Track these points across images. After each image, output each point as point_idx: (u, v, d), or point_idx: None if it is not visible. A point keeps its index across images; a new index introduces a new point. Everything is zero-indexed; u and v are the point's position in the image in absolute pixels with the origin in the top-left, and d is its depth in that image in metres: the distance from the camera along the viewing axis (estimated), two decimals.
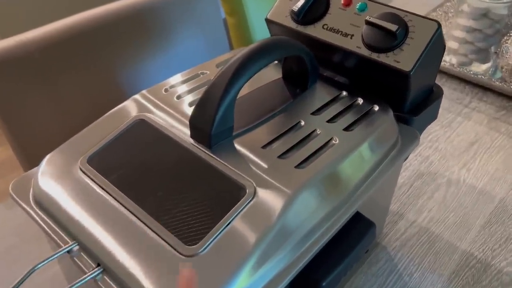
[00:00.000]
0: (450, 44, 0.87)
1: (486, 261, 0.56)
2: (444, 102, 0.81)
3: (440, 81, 0.86)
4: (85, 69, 0.80)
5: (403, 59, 0.45)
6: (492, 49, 0.85)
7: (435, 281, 0.54)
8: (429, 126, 0.76)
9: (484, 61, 0.86)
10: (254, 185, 0.37)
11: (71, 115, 0.79)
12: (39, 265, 0.35)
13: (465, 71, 0.84)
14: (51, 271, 0.54)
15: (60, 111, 0.78)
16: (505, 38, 0.80)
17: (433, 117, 0.54)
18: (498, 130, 0.76)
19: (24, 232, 0.59)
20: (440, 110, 0.79)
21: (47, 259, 0.36)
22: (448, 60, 0.87)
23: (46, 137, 0.78)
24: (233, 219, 0.35)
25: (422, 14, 1.01)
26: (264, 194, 0.37)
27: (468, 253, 0.57)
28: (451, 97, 0.82)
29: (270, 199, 0.36)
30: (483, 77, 0.82)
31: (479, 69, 0.86)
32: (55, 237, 0.38)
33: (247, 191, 0.37)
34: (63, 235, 0.38)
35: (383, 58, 0.46)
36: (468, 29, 0.83)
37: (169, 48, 0.90)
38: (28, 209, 0.40)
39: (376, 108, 0.46)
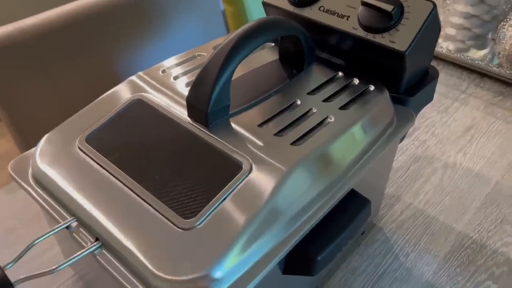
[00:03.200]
0: (448, 30, 0.87)
1: (481, 242, 0.57)
2: (441, 88, 0.81)
3: (437, 67, 0.86)
4: (83, 56, 0.80)
5: (399, 39, 0.46)
6: (490, 35, 0.85)
7: (431, 261, 0.54)
8: (426, 111, 0.76)
9: (481, 47, 0.87)
10: (250, 161, 0.38)
11: (69, 101, 0.79)
12: (38, 240, 0.36)
13: (462, 57, 0.84)
14: (51, 253, 0.55)
15: (58, 97, 0.78)
16: (502, 23, 0.80)
17: (429, 98, 0.54)
18: (495, 115, 0.76)
19: (24, 215, 0.59)
20: (437, 96, 0.80)
21: (46, 234, 0.36)
22: (446, 46, 0.88)
23: (44, 123, 0.78)
24: (229, 194, 0.36)
25: None
26: (259, 171, 0.37)
27: (463, 234, 0.58)
28: (448, 83, 0.83)
29: (266, 175, 0.37)
30: (480, 62, 0.82)
31: (476, 55, 0.86)
32: (54, 213, 0.38)
33: (243, 167, 0.37)
34: (62, 211, 0.38)
35: (379, 38, 0.47)
36: (466, 15, 0.83)
37: (167, 35, 0.90)
38: (27, 187, 0.41)
39: (372, 88, 0.47)
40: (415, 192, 0.63)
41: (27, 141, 0.78)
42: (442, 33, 0.89)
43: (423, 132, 0.73)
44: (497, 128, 0.73)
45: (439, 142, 0.71)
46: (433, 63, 0.88)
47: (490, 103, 0.78)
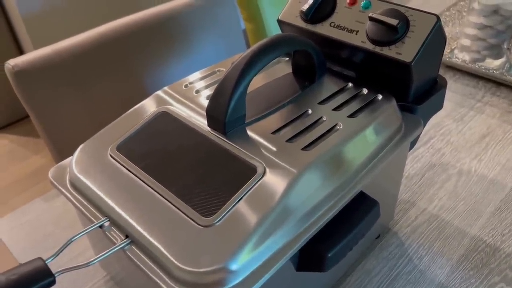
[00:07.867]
0: (463, 41, 0.89)
1: (495, 246, 0.58)
2: (457, 97, 0.83)
3: (453, 77, 0.88)
4: (115, 74, 0.86)
5: (405, 51, 0.49)
6: (505, 44, 0.87)
7: (444, 264, 0.56)
8: (441, 120, 0.78)
9: (497, 57, 0.88)
10: (264, 165, 0.41)
11: (102, 117, 0.85)
12: (76, 237, 0.40)
13: (477, 67, 0.85)
14: (85, 256, 0.59)
15: (92, 113, 0.84)
16: None
17: (439, 106, 0.56)
18: (511, 122, 0.77)
19: (61, 221, 0.64)
20: (453, 105, 0.82)
21: (81, 232, 0.41)
22: (461, 57, 0.89)
23: (79, 137, 0.84)
24: (244, 195, 0.39)
25: (436, 13, 1.03)
26: (272, 173, 0.40)
27: (477, 238, 0.59)
28: (464, 92, 0.84)
29: (278, 177, 0.40)
30: (494, 72, 0.84)
31: (492, 64, 0.88)
32: (88, 214, 0.42)
33: (258, 170, 0.41)
34: (96, 212, 0.42)
35: (386, 51, 0.50)
36: (480, 26, 0.85)
37: (192, 53, 0.95)
38: (64, 191, 0.45)
39: (380, 97, 0.50)
40: (429, 198, 0.65)
41: (62, 153, 0.84)
42: (457, 44, 0.91)
43: (438, 140, 0.75)
44: None
45: (454, 150, 0.73)
46: (449, 74, 0.90)
47: (506, 111, 0.79)
